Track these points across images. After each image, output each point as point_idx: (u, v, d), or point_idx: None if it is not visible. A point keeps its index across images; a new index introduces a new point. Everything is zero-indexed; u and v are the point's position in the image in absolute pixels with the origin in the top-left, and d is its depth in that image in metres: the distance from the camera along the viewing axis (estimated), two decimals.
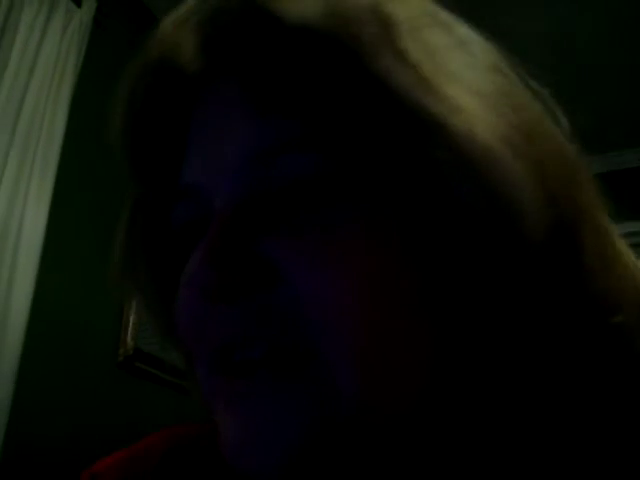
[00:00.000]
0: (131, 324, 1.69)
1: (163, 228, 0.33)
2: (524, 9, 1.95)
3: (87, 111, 1.55)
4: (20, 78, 1.35)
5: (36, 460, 1.33)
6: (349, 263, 0.25)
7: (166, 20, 0.31)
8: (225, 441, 0.26)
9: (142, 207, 0.34)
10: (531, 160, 0.25)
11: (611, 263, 0.27)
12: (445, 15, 0.29)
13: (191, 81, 0.30)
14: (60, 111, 1.44)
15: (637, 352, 0.27)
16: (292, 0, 0.26)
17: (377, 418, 0.25)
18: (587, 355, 0.26)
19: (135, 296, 0.35)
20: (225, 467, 0.29)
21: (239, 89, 0.28)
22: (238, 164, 0.27)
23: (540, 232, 0.25)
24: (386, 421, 0.26)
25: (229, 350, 0.26)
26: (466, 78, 0.26)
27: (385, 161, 0.26)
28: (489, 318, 0.26)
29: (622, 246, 0.29)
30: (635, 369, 0.27)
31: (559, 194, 0.26)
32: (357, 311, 0.24)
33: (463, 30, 0.29)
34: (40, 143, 1.39)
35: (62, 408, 1.44)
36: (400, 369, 0.25)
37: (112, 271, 0.34)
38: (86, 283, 1.55)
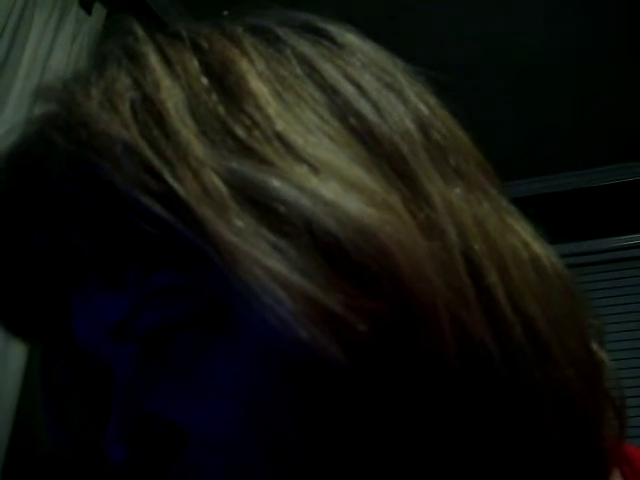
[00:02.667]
0: None
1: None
2: None
3: None
4: (30, 86, 1.36)
5: (42, 460, 1.32)
6: (231, 399, 0.25)
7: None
8: None
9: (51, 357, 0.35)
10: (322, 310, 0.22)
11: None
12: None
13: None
14: None
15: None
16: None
17: None
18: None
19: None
20: None
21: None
22: (110, 335, 0.28)
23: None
24: None
25: None
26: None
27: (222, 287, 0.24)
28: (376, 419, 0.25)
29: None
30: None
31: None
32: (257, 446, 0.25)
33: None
34: None
35: None
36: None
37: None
38: None
